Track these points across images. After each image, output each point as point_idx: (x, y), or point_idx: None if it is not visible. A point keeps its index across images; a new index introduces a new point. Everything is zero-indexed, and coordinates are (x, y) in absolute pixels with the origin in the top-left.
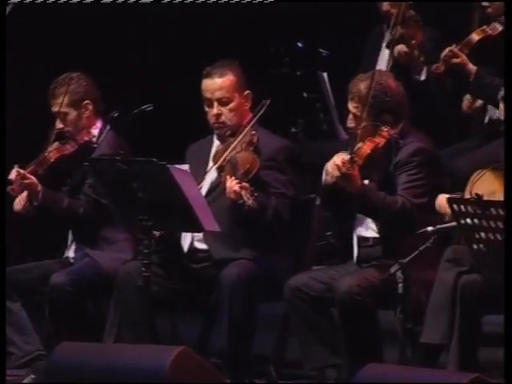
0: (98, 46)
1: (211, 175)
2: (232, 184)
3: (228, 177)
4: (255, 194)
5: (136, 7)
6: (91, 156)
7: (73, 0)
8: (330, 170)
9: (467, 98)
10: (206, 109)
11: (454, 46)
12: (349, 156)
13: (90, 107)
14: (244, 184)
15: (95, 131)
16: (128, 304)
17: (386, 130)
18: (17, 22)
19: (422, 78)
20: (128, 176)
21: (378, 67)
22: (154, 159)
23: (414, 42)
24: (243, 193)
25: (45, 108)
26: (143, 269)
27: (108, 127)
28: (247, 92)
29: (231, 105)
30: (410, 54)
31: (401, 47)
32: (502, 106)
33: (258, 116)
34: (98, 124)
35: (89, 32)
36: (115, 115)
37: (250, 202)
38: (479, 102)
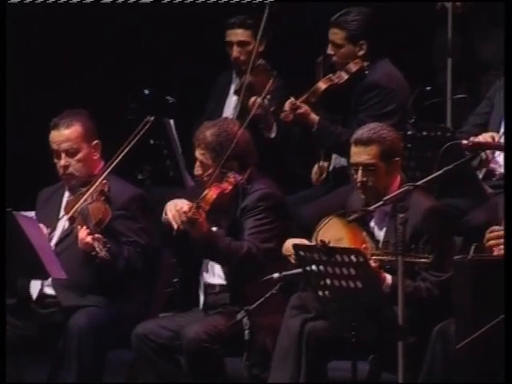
0: None
1: (62, 224)
2: (84, 235)
3: (79, 227)
4: (108, 246)
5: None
6: None
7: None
8: (175, 214)
9: (315, 171)
10: (55, 160)
11: (291, 98)
12: (195, 202)
13: None
14: (97, 235)
15: None
16: None
17: (232, 176)
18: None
19: (273, 135)
20: None
21: (224, 114)
22: None
23: (263, 90)
24: (96, 244)
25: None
26: None
27: None
28: (96, 142)
29: (79, 155)
30: (262, 106)
31: (254, 99)
32: (354, 149)
33: (111, 167)
34: None
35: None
36: None
37: (102, 253)
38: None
